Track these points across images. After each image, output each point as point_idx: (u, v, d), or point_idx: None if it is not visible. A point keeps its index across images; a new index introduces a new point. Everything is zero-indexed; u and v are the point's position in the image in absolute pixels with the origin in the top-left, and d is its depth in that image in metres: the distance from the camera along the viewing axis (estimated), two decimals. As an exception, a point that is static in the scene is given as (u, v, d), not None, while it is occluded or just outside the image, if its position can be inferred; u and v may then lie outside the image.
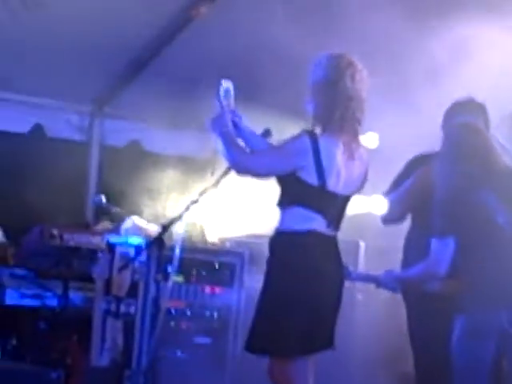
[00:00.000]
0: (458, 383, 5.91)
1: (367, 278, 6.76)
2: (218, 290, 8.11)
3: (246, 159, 5.77)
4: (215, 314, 8.06)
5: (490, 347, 5.79)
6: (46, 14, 8.45)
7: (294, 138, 5.63)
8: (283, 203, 5.77)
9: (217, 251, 8.38)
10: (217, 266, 8.13)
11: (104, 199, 8.83)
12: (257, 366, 6.67)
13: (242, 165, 5.72)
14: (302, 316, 5.60)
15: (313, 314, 5.63)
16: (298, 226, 5.67)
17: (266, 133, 6.17)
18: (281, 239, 5.78)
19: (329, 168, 5.55)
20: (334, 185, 5.59)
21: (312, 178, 5.56)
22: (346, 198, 5.78)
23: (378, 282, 6.47)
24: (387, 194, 6.87)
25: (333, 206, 5.71)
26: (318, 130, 5.71)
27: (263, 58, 7.97)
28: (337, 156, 5.57)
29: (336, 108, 5.64)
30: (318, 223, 5.65)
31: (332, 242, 5.79)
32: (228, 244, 8.56)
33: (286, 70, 8.45)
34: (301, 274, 5.61)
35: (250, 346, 5.71)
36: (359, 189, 5.87)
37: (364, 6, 7.81)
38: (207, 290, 8.07)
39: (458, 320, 5.87)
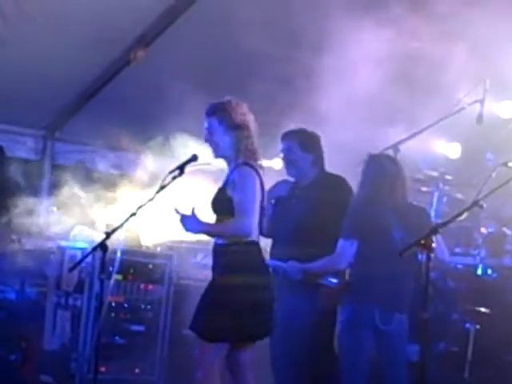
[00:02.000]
0: (342, 366, 6.31)
1: (275, 267, 6.56)
2: (150, 286, 8.44)
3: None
4: (148, 307, 8.39)
5: (366, 336, 6.19)
6: (9, 50, 8.53)
7: None
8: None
9: (150, 254, 8.60)
10: (150, 267, 8.45)
11: (55, 209, 9.14)
12: (183, 350, 7.57)
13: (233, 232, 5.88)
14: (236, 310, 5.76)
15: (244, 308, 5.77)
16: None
17: (194, 158, 6.19)
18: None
19: None
20: None
21: None
22: None
23: (284, 270, 6.54)
24: None
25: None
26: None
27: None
28: None
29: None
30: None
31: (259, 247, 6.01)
32: (159, 248, 8.74)
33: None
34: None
35: (194, 327, 5.86)
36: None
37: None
38: (142, 286, 8.39)
39: (341, 312, 6.34)
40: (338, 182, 6.89)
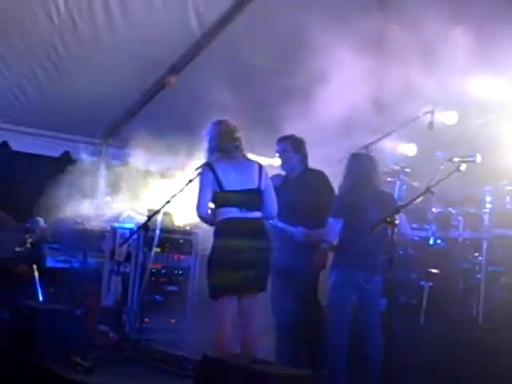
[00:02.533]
0: (330, 318, 6.29)
1: (282, 229, 6.57)
2: (182, 256, 8.35)
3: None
4: (180, 272, 8.31)
5: (351, 293, 6.17)
6: (75, 79, 8.61)
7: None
8: None
9: (181, 231, 8.48)
10: (181, 241, 8.38)
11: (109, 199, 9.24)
12: (207, 304, 7.47)
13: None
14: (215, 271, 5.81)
15: (221, 270, 5.76)
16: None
17: None
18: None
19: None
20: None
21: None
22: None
23: (292, 232, 6.55)
24: None
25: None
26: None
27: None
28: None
29: None
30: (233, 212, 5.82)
31: (243, 221, 5.81)
32: (188, 227, 8.54)
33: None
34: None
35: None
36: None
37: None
38: (175, 256, 8.32)
39: (330, 273, 6.32)
40: (319, 175, 6.90)
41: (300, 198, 6.58)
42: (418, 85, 7.50)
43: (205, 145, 6.11)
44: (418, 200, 5.78)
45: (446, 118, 8.11)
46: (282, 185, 6.68)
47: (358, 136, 7.79)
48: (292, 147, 6.86)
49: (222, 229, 5.86)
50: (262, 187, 5.92)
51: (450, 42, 7.05)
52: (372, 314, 6.21)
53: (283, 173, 6.99)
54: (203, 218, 6.00)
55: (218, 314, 5.81)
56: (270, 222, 6.29)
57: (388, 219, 5.36)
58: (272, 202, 5.99)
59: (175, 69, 8.92)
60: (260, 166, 5.99)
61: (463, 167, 5.46)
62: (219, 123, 6.06)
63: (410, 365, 6.11)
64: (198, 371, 4.75)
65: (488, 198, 7.10)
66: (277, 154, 7.01)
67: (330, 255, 6.58)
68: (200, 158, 6.53)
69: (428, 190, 5.62)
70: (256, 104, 7.88)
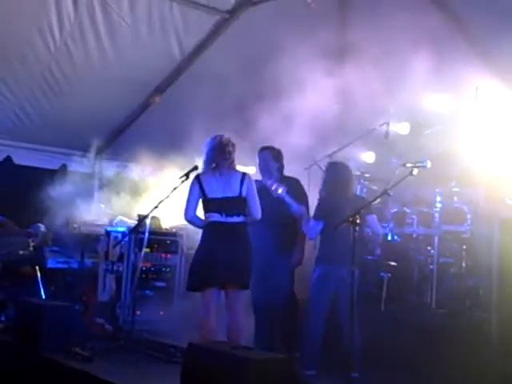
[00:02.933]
0: (310, 307, 6.22)
1: (288, 203, 6.45)
2: (169, 255, 8.29)
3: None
4: (168, 269, 8.26)
5: (330, 286, 6.12)
6: (69, 100, 8.54)
7: None
8: None
9: (168, 233, 8.41)
10: (168, 242, 8.33)
11: (102, 206, 9.19)
12: (191, 298, 7.19)
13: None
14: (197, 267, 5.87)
15: (203, 267, 5.83)
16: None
17: (195, 168, 6.20)
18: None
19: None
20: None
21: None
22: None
23: (293, 208, 6.42)
24: None
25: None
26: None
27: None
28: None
29: None
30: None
31: (224, 225, 5.88)
32: (174, 229, 8.49)
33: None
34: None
35: None
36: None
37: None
38: (163, 256, 8.25)
39: (314, 269, 6.26)
40: (295, 182, 6.84)
41: (277, 200, 6.47)
42: (375, 98, 7.57)
43: (203, 157, 6.13)
44: (377, 201, 5.78)
45: (400, 128, 8.16)
46: (260, 191, 6.48)
47: (322, 145, 7.83)
48: (272, 156, 6.78)
49: (206, 231, 5.97)
50: (244, 194, 5.92)
51: (405, 60, 7.04)
52: (347, 302, 6.11)
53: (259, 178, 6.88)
54: (189, 221, 6.09)
55: (203, 305, 5.85)
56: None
57: (350, 219, 5.33)
58: (255, 206, 5.99)
59: (159, 90, 8.90)
60: (243, 175, 5.99)
61: (415, 172, 5.43)
62: (214, 138, 6.07)
63: (372, 347, 6.05)
64: (185, 358, 4.65)
65: (438, 198, 7.14)
66: (257, 162, 6.90)
67: (307, 253, 6.62)
68: (182, 167, 6.68)
69: (385, 192, 5.62)
70: (232, 116, 7.89)
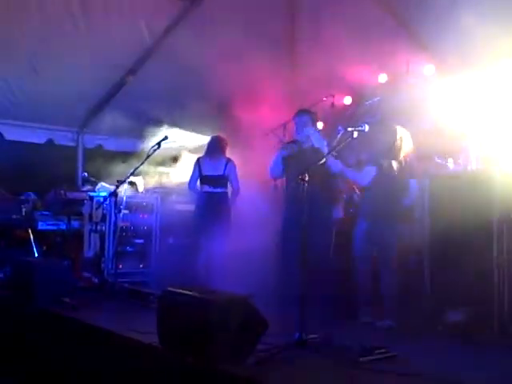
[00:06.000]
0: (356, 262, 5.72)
1: (327, 147, 5.84)
2: (146, 215, 8.22)
3: None
4: (145, 228, 8.21)
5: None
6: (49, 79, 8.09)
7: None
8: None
9: (144, 196, 8.34)
10: (144, 204, 8.26)
11: (86, 175, 8.99)
12: (169, 253, 7.66)
13: None
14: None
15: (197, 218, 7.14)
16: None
17: (165, 138, 6.52)
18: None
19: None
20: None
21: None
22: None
23: (328, 160, 5.59)
24: None
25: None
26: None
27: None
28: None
29: None
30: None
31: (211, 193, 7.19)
32: (149, 192, 8.39)
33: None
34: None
35: None
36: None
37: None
38: (140, 216, 8.19)
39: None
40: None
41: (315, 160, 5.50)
42: (324, 74, 7.53)
43: (205, 147, 7.50)
44: (322, 161, 5.63)
45: (344, 100, 8.23)
46: (297, 152, 6.11)
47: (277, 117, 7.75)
48: (311, 120, 6.19)
49: (199, 198, 7.38)
50: (226, 174, 7.30)
51: (349, 43, 6.95)
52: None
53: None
54: (191, 190, 7.47)
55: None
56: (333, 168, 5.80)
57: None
58: (235, 181, 7.33)
59: (132, 70, 8.68)
60: (227, 161, 7.33)
61: (355, 135, 5.36)
62: (212, 137, 7.56)
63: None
64: (160, 303, 4.61)
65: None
66: (295, 122, 6.29)
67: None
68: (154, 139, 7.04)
69: (329, 153, 5.58)
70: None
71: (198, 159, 7.39)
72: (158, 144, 6.54)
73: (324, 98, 7.98)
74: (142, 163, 6.54)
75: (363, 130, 5.23)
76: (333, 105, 8.03)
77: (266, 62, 7.28)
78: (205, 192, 7.27)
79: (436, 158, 6.33)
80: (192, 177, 7.37)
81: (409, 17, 7.11)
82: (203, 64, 7.71)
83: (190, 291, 4.37)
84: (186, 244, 7.66)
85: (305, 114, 6.21)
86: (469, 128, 6.18)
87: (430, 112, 6.79)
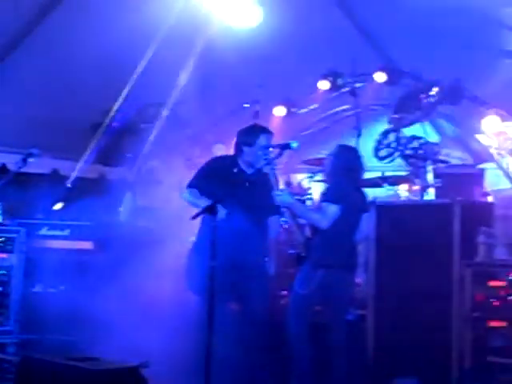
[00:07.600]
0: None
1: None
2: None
3: None
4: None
5: None
6: None
7: None
8: None
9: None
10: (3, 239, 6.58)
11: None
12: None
13: None
14: None
15: None
16: None
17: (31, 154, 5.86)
18: None
19: None
20: None
21: None
22: None
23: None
24: None
25: None
26: None
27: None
28: None
29: None
30: None
31: None
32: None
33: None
34: None
35: None
36: None
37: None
38: None
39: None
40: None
41: None
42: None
43: None
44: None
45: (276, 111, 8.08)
46: None
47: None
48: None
49: None
50: None
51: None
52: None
53: None
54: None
55: None
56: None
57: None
58: None
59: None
60: None
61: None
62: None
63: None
64: (18, 373, 4.08)
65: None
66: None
67: None
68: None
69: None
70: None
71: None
72: (24, 160, 5.89)
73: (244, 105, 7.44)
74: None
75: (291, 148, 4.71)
76: (256, 114, 7.16)
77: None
78: None
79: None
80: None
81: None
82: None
83: (62, 358, 3.75)
84: (61, 293, 6.69)
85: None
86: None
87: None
